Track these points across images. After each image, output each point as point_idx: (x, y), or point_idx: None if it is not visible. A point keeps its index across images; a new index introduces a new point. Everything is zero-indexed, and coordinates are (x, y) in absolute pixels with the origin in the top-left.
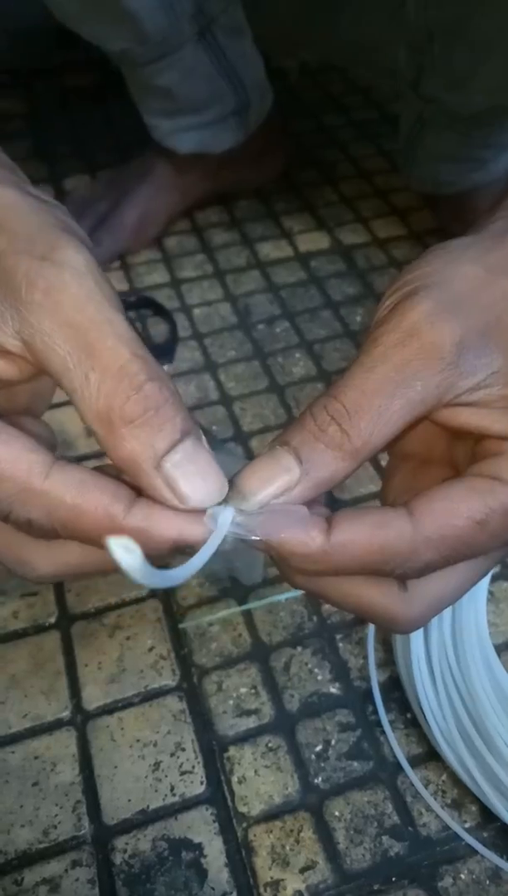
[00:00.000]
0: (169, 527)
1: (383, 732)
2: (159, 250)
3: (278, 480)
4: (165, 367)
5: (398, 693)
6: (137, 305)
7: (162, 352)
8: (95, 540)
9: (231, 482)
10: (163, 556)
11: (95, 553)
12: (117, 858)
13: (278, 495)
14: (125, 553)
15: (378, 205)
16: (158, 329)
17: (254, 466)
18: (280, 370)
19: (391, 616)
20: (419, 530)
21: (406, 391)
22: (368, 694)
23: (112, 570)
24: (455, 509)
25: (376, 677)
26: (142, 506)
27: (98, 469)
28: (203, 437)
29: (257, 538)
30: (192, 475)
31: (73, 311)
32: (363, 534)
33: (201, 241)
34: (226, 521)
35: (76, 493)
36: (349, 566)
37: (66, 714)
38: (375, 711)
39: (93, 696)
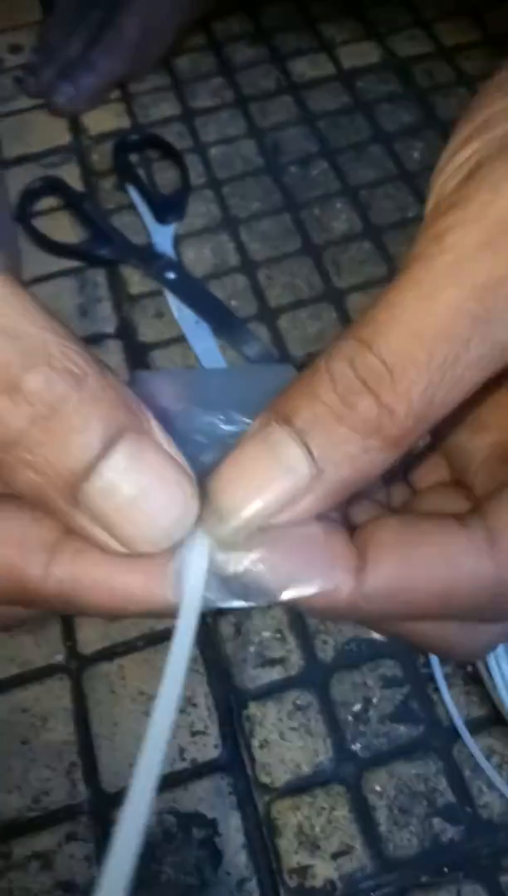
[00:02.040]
0: (107, 590)
1: (436, 690)
2: (168, 74)
3: (275, 487)
4: (175, 226)
5: None
6: (140, 146)
7: (171, 205)
8: (14, 603)
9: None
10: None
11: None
12: None
13: (275, 513)
14: None
15: (442, 0)
16: (166, 176)
17: (237, 461)
18: (317, 225)
19: (447, 648)
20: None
21: (491, 331)
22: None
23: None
24: None
25: None
26: (67, 554)
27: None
28: (154, 428)
29: (245, 604)
30: (132, 503)
31: None
32: (416, 577)
33: (220, 59)
34: (197, 576)
35: None
36: (393, 617)
37: (58, 659)
38: (427, 664)
39: (89, 639)
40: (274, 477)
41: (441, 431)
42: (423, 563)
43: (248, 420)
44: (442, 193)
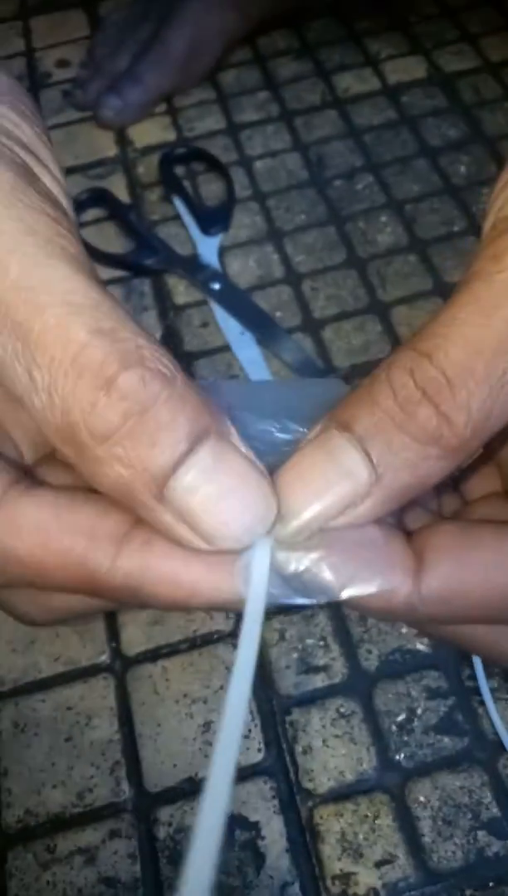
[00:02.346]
0: (174, 582)
1: (482, 702)
2: (214, 88)
3: (335, 490)
4: (220, 237)
5: None
6: (186, 158)
7: (216, 217)
8: (81, 592)
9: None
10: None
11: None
12: (161, 832)
13: (334, 515)
14: None
15: (489, 16)
16: (212, 188)
17: (297, 465)
18: (361, 238)
19: (498, 653)
20: None
21: None
22: (464, 653)
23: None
24: None
25: None
26: (135, 546)
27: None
28: (233, 431)
29: (307, 601)
30: (217, 499)
31: None
32: (472, 581)
33: (265, 73)
34: (262, 572)
35: (34, 544)
36: (448, 620)
37: (103, 659)
38: (473, 676)
39: (133, 640)
40: (334, 481)
41: (494, 443)
42: (479, 568)
43: (302, 429)
44: (500, 216)
